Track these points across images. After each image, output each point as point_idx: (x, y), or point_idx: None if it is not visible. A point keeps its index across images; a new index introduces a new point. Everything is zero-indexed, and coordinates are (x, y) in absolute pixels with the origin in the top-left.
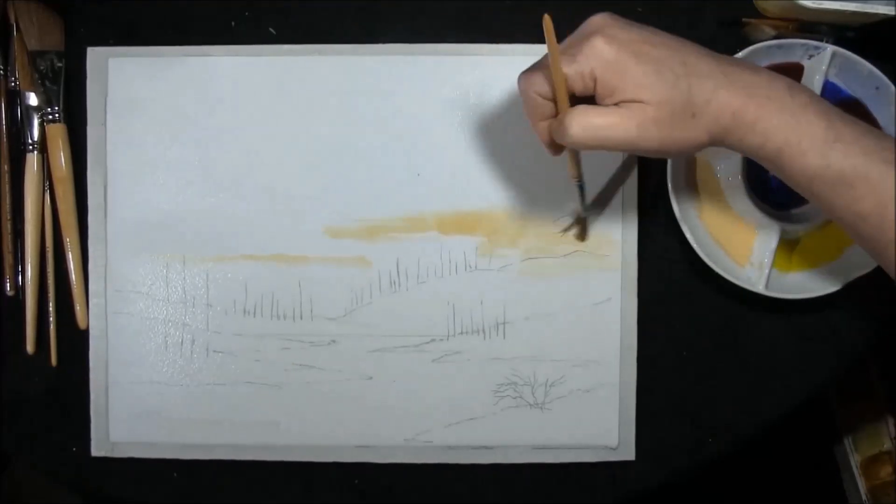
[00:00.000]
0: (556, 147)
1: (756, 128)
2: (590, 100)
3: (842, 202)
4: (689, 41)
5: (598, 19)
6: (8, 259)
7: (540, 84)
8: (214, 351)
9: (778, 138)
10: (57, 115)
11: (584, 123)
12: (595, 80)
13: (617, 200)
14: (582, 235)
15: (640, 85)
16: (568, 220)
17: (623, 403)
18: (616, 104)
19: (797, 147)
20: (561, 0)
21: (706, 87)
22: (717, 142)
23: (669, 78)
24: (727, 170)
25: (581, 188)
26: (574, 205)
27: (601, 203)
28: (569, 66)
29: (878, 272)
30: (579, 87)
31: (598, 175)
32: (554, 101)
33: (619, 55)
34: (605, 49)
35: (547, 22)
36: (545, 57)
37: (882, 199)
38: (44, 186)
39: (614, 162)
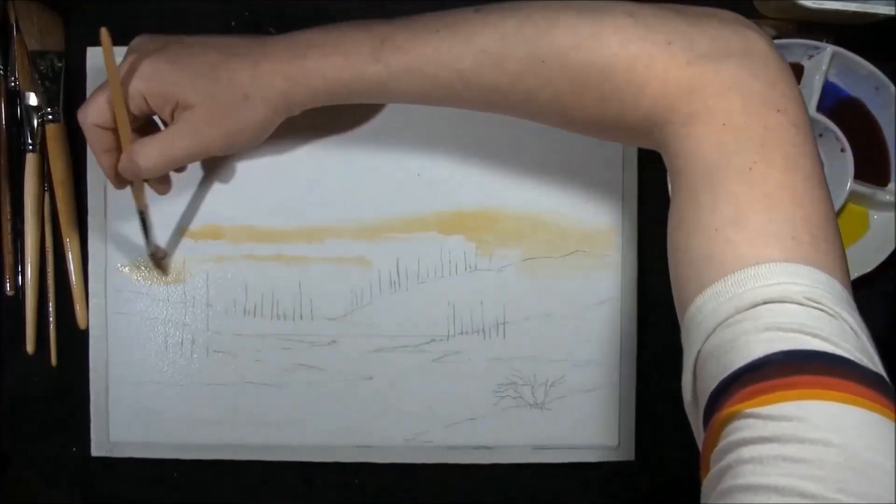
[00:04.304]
0: (121, 181)
1: (311, 75)
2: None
3: (425, 86)
4: (230, 36)
5: (135, 41)
6: (8, 259)
7: (99, 115)
8: (214, 351)
9: (332, 71)
10: (57, 115)
11: (147, 153)
12: (145, 99)
13: (617, 201)
14: (163, 272)
15: (184, 89)
16: (147, 261)
17: (623, 403)
18: (172, 117)
19: (353, 68)
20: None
21: (246, 65)
22: (289, 108)
23: (208, 72)
24: None
25: (144, 220)
26: (145, 242)
27: (601, 202)
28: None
29: (878, 272)
30: (134, 109)
31: (597, 175)
32: (115, 131)
33: (156, 67)
34: (144, 66)
35: (105, 43)
36: (100, 87)
37: (451, 65)
38: (44, 187)
39: (614, 162)
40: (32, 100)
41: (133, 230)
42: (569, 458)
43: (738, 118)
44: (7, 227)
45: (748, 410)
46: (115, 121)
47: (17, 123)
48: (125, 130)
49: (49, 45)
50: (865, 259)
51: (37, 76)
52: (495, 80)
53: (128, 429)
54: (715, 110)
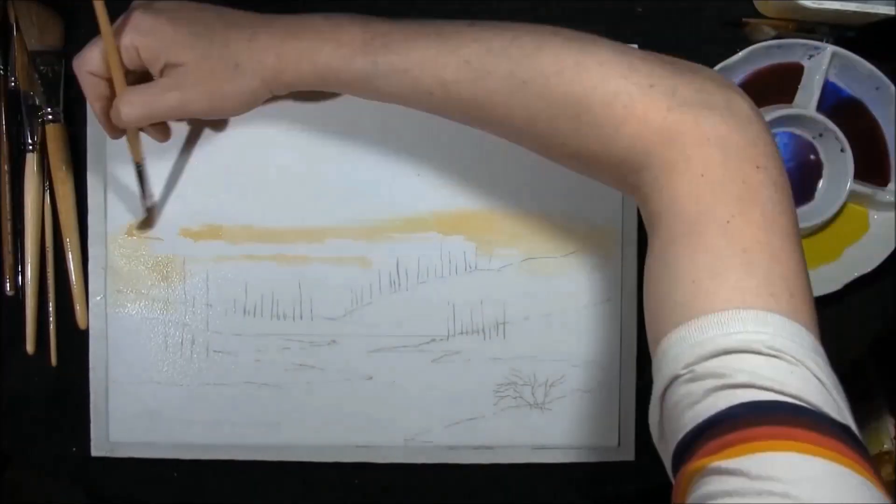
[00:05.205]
0: (114, 129)
1: (302, 57)
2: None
3: (406, 88)
4: (232, 8)
5: None
6: (8, 259)
7: (91, 63)
8: (214, 351)
9: (322, 56)
10: (57, 115)
11: (131, 101)
12: (138, 52)
13: (617, 201)
14: (148, 222)
15: (177, 46)
16: (140, 214)
17: (623, 403)
18: (162, 73)
19: (343, 57)
20: (560, 0)
21: (244, 35)
22: (276, 85)
23: (205, 34)
24: None
25: (140, 173)
26: (142, 194)
27: (601, 202)
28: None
29: (878, 272)
30: (127, 62)
31: None
32: (110, 80)
33: (154, 22)
34: (141, 19)
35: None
36: (98, 37)
37: (434, 71)
38: (44, 186)
39: None
40: (32, 100)
41: (131, 230)
42: (569, 458)
43: (717, 171)
44: (7, 227)
45: (712, 465)
46: (108, 69)
47: (18, 123)
48: (119, 76)
49: (49, 45)
50: (865, 259)
51: (37, 76)
52: (474, 94)
53: (128, 429)
54: (693, 160)
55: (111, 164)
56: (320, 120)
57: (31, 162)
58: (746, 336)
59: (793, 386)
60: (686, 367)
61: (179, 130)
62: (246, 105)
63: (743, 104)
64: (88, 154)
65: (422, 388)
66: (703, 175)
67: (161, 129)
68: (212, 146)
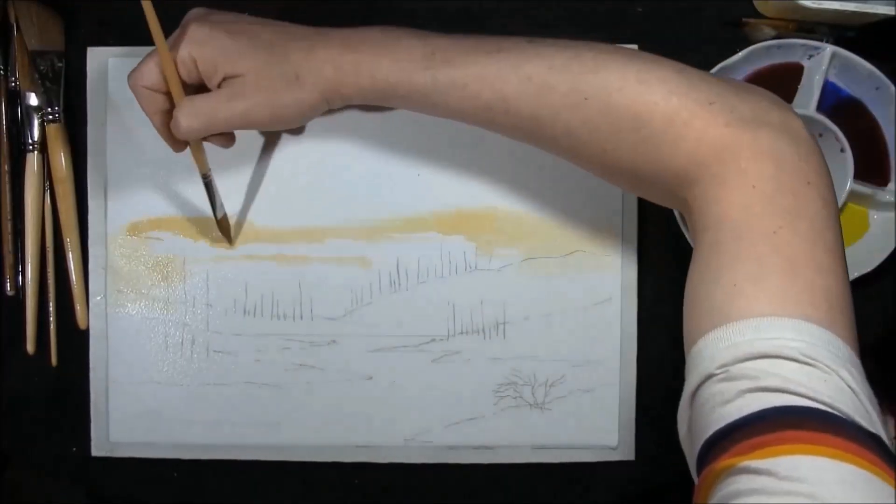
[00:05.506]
0: (176, 142)
1: (361, 70)
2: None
3: (466, 103)
4: (287, 22)
5: (194, 10)
6: (8, 259)
7: (148, 77)
8: (214, 351)
9: (382, 71)
10: (57, 115)
11: (190, 111)
12: (195, 63)
13: (617, 201)
14: (228, 239)
15: (237, 57)
16: (213, 229)
17: (623, 403)
18: (221, 85)
19: (402, 72)
20: (561, 0)
21: (302, 47)
22: (335, 98)
23: (264, 46)
24: None
25: (208, 185)
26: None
27: (601, 202)
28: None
29: (878, 272)
30: (184, 74)
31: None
32: (167, 93)
33: (211, 34)
34: (198, 31)
35: (148, 9)
36: (153, 51)
37: (495, 86)
38: (44, 186)
39: None
40: (32, 100)
41: (134, 227)
42: (569, 458)
43: (769, 183)
44: (7, 227)
45: (741, 465)
46: (165, 83)
47: (18, 123)
48: (177, 88)
49: (49, 45)
50: (865, 259)
51: (37, 76)
52: (535, 110)
53: (128, 429)
54: (748, 173)
55: (111, 164)
56: (320, 120)
57: (31, 162)
58: (783, 342)
59: (825, 394)
60: (721, 367)
61: None
62: (305, 117)
63: (797, 123)
64: (88, 154)
65: (422, 388)
66: (754, 186)
67: (226, 136)
68: (212, 148)
